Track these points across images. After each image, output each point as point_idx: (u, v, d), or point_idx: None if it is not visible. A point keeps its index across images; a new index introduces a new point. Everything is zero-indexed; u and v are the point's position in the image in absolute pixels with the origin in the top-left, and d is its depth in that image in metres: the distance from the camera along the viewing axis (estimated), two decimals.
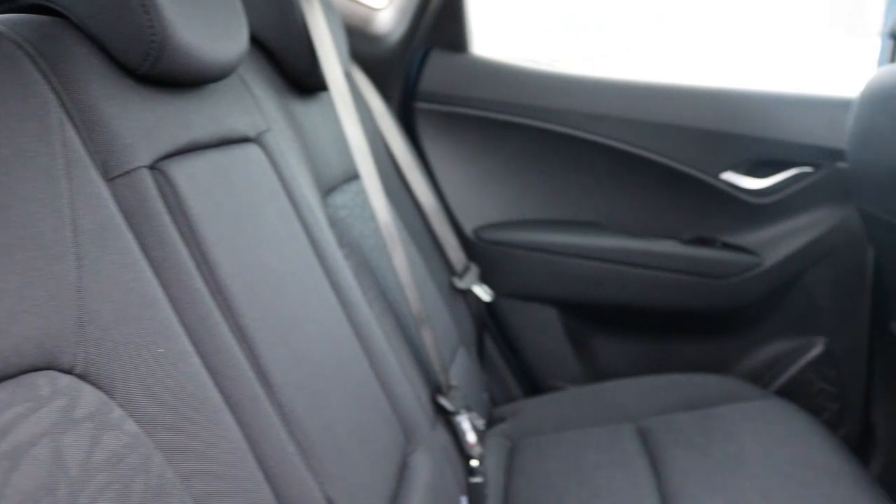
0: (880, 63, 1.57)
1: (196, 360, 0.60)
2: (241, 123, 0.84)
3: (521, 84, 1.53)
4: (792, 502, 1.08)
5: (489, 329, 1.58)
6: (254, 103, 0.91)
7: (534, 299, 1.58)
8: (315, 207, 0.94)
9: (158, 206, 0.65)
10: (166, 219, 0.65)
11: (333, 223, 1.01)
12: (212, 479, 0.55)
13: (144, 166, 0.65)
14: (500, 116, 1.52)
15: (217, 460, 0.57)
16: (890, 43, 1.43)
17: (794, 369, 1.59)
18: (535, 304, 1.58)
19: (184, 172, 0.69)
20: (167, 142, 0.70)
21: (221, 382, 0.62)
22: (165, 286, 0.61)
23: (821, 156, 1.48)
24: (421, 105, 1.55)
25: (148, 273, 0.60)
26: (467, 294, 1.43)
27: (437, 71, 1.55)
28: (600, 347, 1.64)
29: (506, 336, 1.60)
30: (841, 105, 1.31)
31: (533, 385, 1.61)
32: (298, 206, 0.88)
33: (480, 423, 1.12)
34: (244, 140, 0.84)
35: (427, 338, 1.07)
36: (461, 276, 1.42)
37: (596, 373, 1.61)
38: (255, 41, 1.06)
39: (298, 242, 0.85)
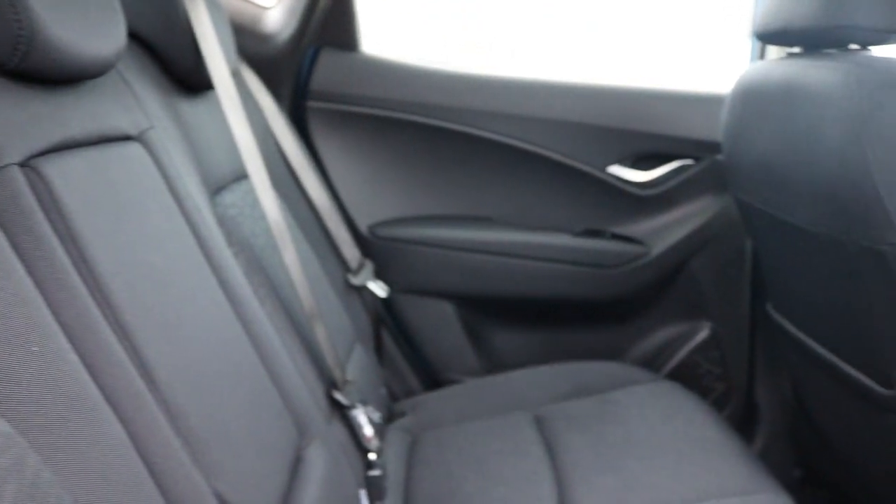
0: (751, 61, 1.66)
1: (74, 358, 0.59)
2: (121, 121, 0.83)
3: (412, 82, 1.55)
4: (679, 477, 1.13)
5: (386, 325, 1.59)
6: (135, 101, 0.90)
7: (430, 294, 1.60)
8: (202, 206, 0.93)
9: (31, 203, 0.63)
10: (40, 217, 0.63)
11: (222, 222, 1.00)
12: (92, 477, 0.54)
13: (15, 164, 0.64)
14: (392, 114, 1.54)
15: (97, 458, 0.56)
16: (759, 42, 1.51)
17: (682, 353, 1.65)
18: (432, 298, 1.60)
19: (59, 170, 0.68)
20: (41, 139, 0.68)
21: (101, 380, 0.61)
22: (39, 284, 0.60)
23: (700, 149, 1.55)
24: (312, 104, 1.55)
25: (20, 271, 0.58)
26: (363, 291, 1.44)
27: (328, 70, 1.55)
28: (497, 339, 1.67)
29: (403, 331, 1.62)
30: (717, 101, 1.38)
31: (432, 379, 1.63)
32: (183, 204, 0.87)
33: (377, 416, 1.13)
34: (125, 138, 0.83)
35: (320, 334, 1.07)
36: (356, 272, 1.42)
37: (494, 364, 1.64)
38: (137, 38, 1.04)
39: (184, 241, 0.84)
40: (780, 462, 1.63)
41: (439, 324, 1.61)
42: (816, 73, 1.04)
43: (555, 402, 1.39)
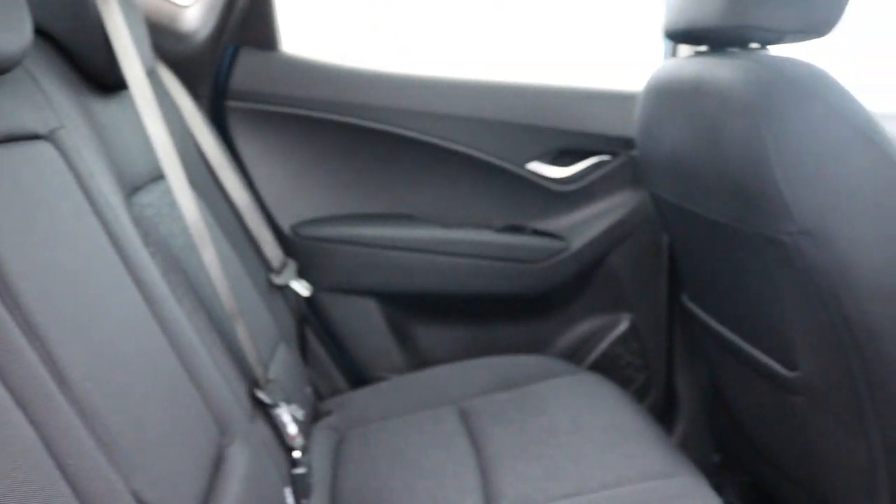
0: (664, 58, 1.71)
1: None
2: (29, 120, 0.81)
3: (332, 81, 1.55)
4: (600, 464, 1.16)
5: (311, 324, 1.59)
6: (44, 99, 0.88)
7: (354, 292, 1.61)
8: (116, 206, 0.92)
9: None
10: None
11: (139, 222, 0.99)
12: (1, 479, 0.54)
13: None
14: (313, 113, 1.53)
15: (6, 460, 0.55)
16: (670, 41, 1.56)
17: (603, 345, 1.69)
18: (356, 296, 1.61)
19: None
20: None
21: (10, 381, 0.60)
22: None
23: (617, 145, 1.59)
24: (232, 103, 1.53)
25: None
26: (286, 290, 1.44)
27: (248, 69, 1.54)
28: (422, 336, 1.69)
29: (328, 330, 1.62)
30: (632, 98, 1.42)
31: (358, 377, 1.64)
32: (96, 204, 0.86)
33: (301, 414, 1.13)
34: (34, 137, 0.82)
35: (242, 333, 1.07)
36: (279, 272, 1.42)
37: (419, 361, 1.65)
38: (46, 35, 1.02)
39: (97, 241, 0.83)
40: (699, 448, 1.68)
41: (364, 321, 1.62)
42: (720, 70, 1.08)
43: (479, 396, 1.41)
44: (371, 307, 1.62)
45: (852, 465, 1.10)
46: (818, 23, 1.06)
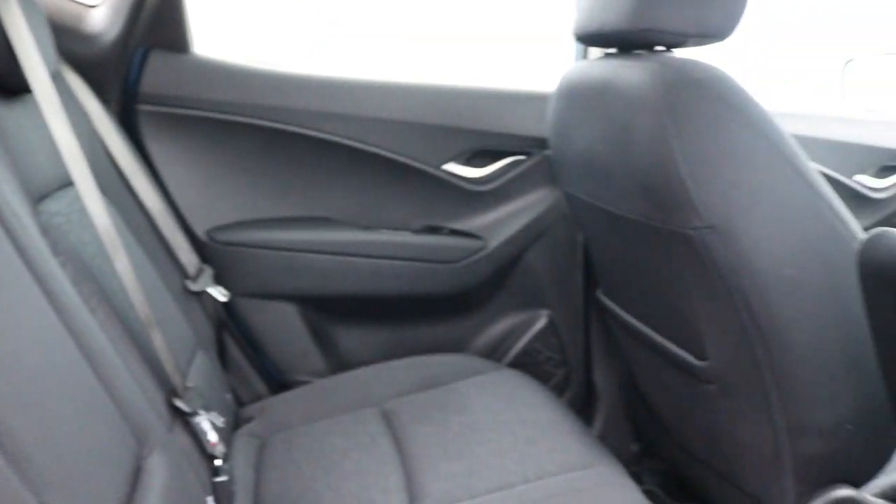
0: (576, 60, 1.75)
1: None
2: None
3: (245, 83, 1.53)
4: (521, 459, 1.18)
5: (229, 330, 1.57)
6: None
7: (272, 297, 1.59)
8: (22, 214, 0.89)
9: None
10: None
11: (47, 231, 0.96)
12: None
13: None
14: (226, 117, 1.51)
15: None
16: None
17: (522, 342, 1.72)
18: (274, 301, 1.59)
19: None
20: None
21: None
22: None
23: (531, 145, 1.62)
24: (143, 107, 1.50)
25: None
26: (203, 296, 1.42)
27: (158, 72, 1.51)
28: (342, 338, 1.68)
29: (247, 336, 1.60)
30: (545, 98, 1.44)
31: (278, 382, 1.62)
32: (0, 212, 0.83)
33: (221, 421, 1.12)
34: None
35: (158, 341, 1.05)
36: (195, 278, 1.39)
37: (341, 364, 1.65)
38: None
39: (2, 251, 0.80)
40: (619, 439, 1.73)
41: (283, 326, 1.61)
42: (627, 72, 1.11)
43: (401, 397, 1.42)
44: (290, 311, 1.60)
45: (760, 447, 1.15)
46: (717, 28, 1.11)
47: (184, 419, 1.07)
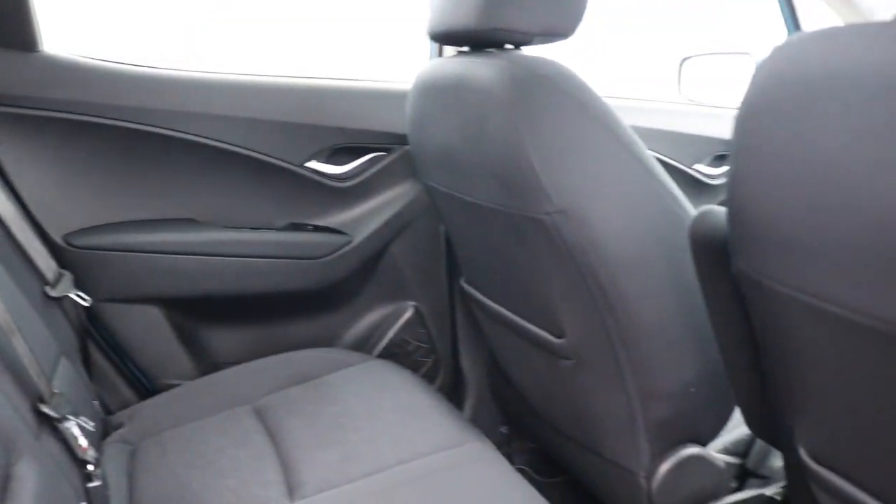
0: (430, 58, 1.81)
1: None
2: None
3: (100, 83, 1.49)
4: (394, 442, 1.22)
5: (93, 337, 1.53)
6: None
7: (136, 301, 1.56)
8: None
9: None
10: None
11: None
12: None
13: None
14: (80, 117, 1.47)
15: None
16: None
17: (391, 333, 1.77)
18: (139, 305, 1.56)
19: None
20: None
21: None
22: None
23: (391, 140, 1.66)
24: None
25: None
26: (63, 302, 1.38)
27: (6, 72, 1.45)
28: (211, 339, 1.67)
29: (112, 342, 1.57)
30: (404, 95, 1.49)
31: (147, 388, 1.60)
32: None
33: (90, 425, 1.10)
34: None
35: (20, 348, 1.02)
36: (54, 284, 1.36)
37: (211, 365, 1.63)
38: None
39: None
40: (488, 422, 1.80)
41: (149, 330, 1.58)
42: (479, 69, 1.17)
43: (273, 393, 1.43)
44: (155, 314, 1.58)
45: (616, 415, 1.24)
46: (561, 27, 1.19)
47: (52, 425, 1.05)
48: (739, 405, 1.03)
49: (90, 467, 1.07)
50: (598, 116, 1.09)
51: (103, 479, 1.09)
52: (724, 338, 0.97)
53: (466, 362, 1.82)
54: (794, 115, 0.65)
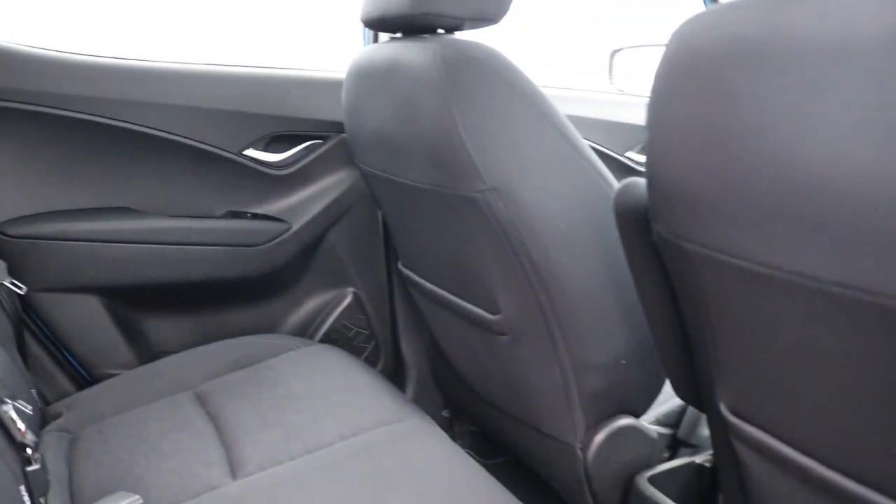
0: (365, 44, 1.83)
1: None
2: None
3: (33, 70, 1.48)
4: (336, 419, 1.25)
5: (29, 327, 1.52)
6: None
7: (74, 290, 1.55)
8: None
9: None
10: None
11: None
12: None
13: None
14: (11, 105, 1.46)
15: None
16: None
17: (331, 319, 1.79)
18: (76, 294, 1.56)
19: None
20: None
21: None
22: None
23: (327, 128, 1.69)
24: None
25: None
26: None
27: None
28: (151, 329, 1.67)
29: (49, 332, 1.56)
30: (339, 84, 1.51)
31: (86, 378, 1.59)
32: None
33: (28, 409, 1.10)
34: None
35: None
36: None
37: (151, 354, 1.63)
38: None
39: None
40: (429, 406, 1.83)
41: (87, 320, 1.57)
42: (412, 54, 1.20)
43: (214, 378, 1.44)
44: (93, 304, 1.57)
45: (551, 388, 1.28)
46: (490, 11, 1.23)
47: None
48: (666, 370, 1.07)
49: (29, 451, 1.07)
50: (527, 97, 1.13)
51: (42, 463, 1.09)
52: (650, 305, 1.01)
53: (407, 347, 1.85)
54: (704, 82, 0.69)
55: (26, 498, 1.04)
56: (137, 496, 1.07)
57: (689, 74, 0.71)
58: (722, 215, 0.71)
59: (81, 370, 1.59)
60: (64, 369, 1.57)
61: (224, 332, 1.64)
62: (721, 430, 0.95)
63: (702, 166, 0.71)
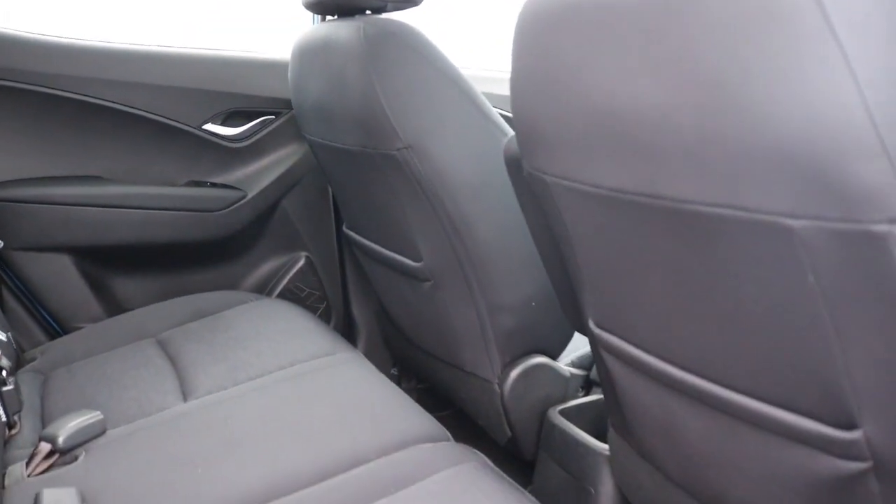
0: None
1: None
2: None
3: (12, 50, 1.65)
4: (276, 354, 1.40)
5: (5, 283, 1.68)
6: None
7: (48, 249, 1.72)
8: None
9: None
10: None
11: None
12: None
13: None
14: None
15: None
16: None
17: (285, 281, 1.96)
18: (50, 253, 1.72)
19: None
20: None
21: None
22: None
23: (279, 105, 1.86)
24: None
25: None
26: None
27: None
28: (119, 287, 1.84)
29: (24, 288, 1.72)
30: (287, 66, 1.68)
31: (58, 331, 1.75)
32: None
33: (3, 336, 1.25)
34: None
35: None
36: None
37: (119, 310, 1.79)
38: None
39: None
40: (379, 365, 1.99)
41: (60, 277, 1.73)
42: (341, 31, 1.37)
43: (174, 328, 1.60)
44: (66, 262, 1.74)
45: (470, 328, 1.44)
46: None
47: None
48: (559, 300, 1.23)
49: (4, 373, 1.23)
50: (438, 66, 1.30)
51: (16, 386, 1.25)
52: (539, 240, 1.17)
53: (356, 308, 2.02)
54: (542, 40, 0.86)
55: (1, 412, 1.19)
56: (98, 412, 1.23)
57: (532, 35, 0.87)
58: (562, 146, 0.88)
59: (54, 323, 1.75)
60: (38, 322, 1.73)
61: (186, 292, 1.80)
62: (595, 345, 1.11)
63: (544, 106, 0.88)
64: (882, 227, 0.58)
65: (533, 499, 1.01)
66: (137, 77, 1.74)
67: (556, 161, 0.91)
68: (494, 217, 1.36)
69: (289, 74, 1.62)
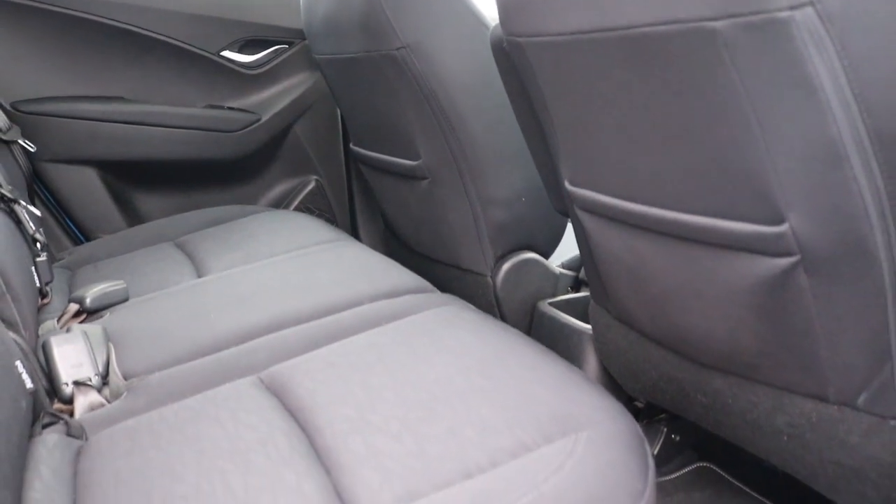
0: None
1: None
2: None
3: None
4: (286, 241, 1.53)
5: (36, 193, 1.81)
6: None
7: (75, 162, 1.84)
8: None
9: None
10: None
11: None
12: None
13: None
14: (26, 2, 1.74)
15: None
16: None
17: (296, 202, 2.08)
18: (77, 166, 1.85)
19: None
20: None
21: None
22: None
23: (292, 35, 1.98)
24: None
25: None
26: (13, 148, 1.65)
27: None
28: (140, 200, 1.96)
29: (53, 198, 1.85)
30: None
31: (82, 240, 1.88)
32: None
33: (38, 213, 1.37)
34: None
35: None
36: (5, 131, 1.63)
37: (139, 223, 1.92)
38: None
39: None
40: None
41: (85, 189, 1.86)
42: None
43: (192, 233, 1.72)
44: (90, 175, 1.86)
45: (464, 222, 1.54)
46: None
47: (8, 206, 1.32)
48: (542, 179, 1.32)
49: (38, 245, 1.36)
50: None
51: (49, 256, 1.37)
52: (522, 120, 1.26)
53: (363, 228, 2.13)
54: None
55: (36, 278, 1.32)
56: (122, 281, 1.35)
57: None
58: (531, 2, 0.98)
59: (79, 234, 1.88)
60: (65, 231, 1.86)
61: (203, 207, 1.92)
62: (570, 206, 1.19)
63: None
64: (784, 14, 0.69)
65: (513, 329, 1.11)
66: (159, 3, 1.86)
67: (527, 20, 1.01)
68: (486, 114, 1.46)
69: (302, 7, 1.74)
